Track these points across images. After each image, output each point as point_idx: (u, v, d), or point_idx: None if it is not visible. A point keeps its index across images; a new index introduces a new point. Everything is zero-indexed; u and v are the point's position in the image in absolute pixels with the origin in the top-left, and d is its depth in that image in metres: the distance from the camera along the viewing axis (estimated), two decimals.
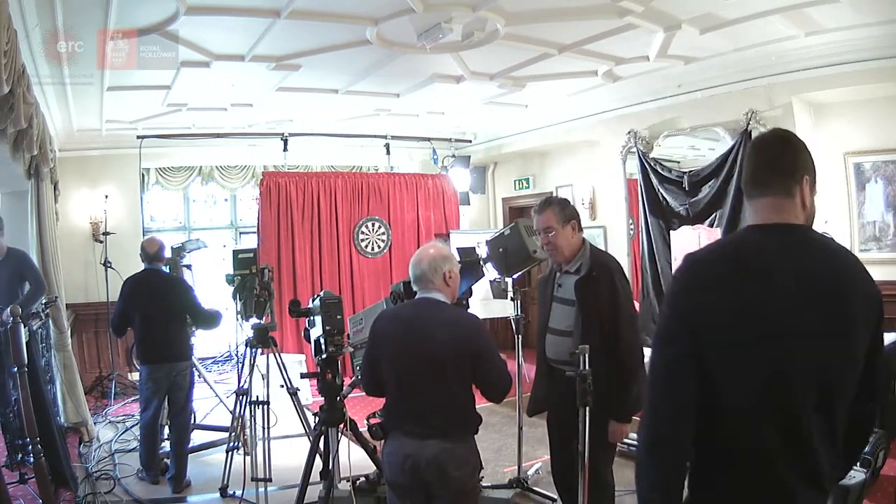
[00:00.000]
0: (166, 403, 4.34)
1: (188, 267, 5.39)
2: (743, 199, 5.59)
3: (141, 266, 4.46)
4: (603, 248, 6.03)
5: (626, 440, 4.41)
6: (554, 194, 7.44)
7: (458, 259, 2.61)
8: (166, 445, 4.44)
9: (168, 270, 4.90)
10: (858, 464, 3.25)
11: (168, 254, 4.78)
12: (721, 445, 1.35)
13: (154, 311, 4.17)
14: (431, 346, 2.28)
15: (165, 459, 4.35)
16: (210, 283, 5.69)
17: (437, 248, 2.49)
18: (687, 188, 5.94)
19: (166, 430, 4.48)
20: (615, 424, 2.80)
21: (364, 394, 6.21)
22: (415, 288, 2.45)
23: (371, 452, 3.33)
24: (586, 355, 2.38)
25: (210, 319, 4.49)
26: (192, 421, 5.31)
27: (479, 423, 2.39)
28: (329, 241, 7.70)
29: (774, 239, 1.37)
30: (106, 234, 7.05)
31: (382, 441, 2.48)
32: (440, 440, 2.28)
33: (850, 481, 3.08)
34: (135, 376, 6.15)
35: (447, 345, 2.28)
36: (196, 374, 4.87)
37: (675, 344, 1.43)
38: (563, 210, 2.93)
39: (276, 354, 4.08)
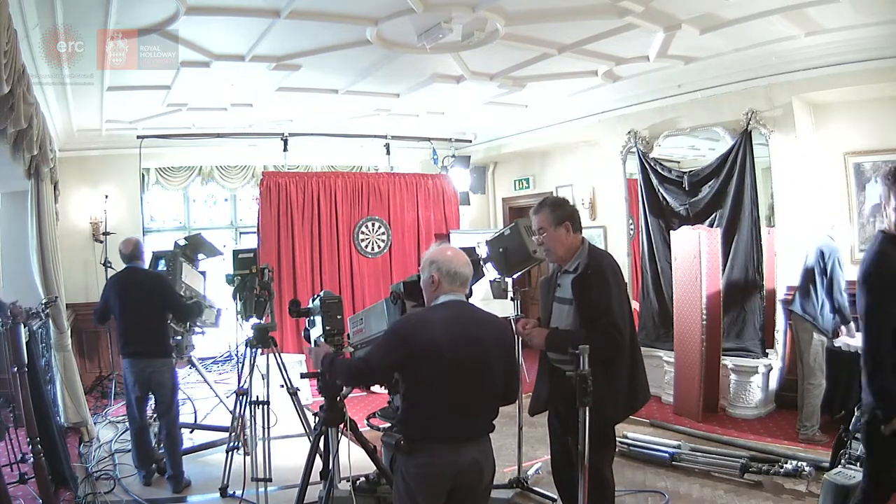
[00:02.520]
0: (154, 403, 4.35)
1: (203, 273, 5.37)
2: (742, 199, 5.65)
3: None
4: (603, 248, 6.02)
5: (625, 440, 4.45)
6: (554, 194, 7.45)
7: None
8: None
9: (165, 264, 4.91)
10: (858, 464, 3.25)
11: (169, 249, 4.77)
12: None
13: (130, 307, 4.17)
14: (481, 348, 2.29)
15: (165, 459, 4.34)
16: (210, 283, 5.66)
17: (454, 248, 2.50)
18: (687, 188, 5.95)
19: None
20: (539, 332, 2.92)
21: (364, 394, 6.27)
22: (451, 286, 2.38)
23: (371, 452, 3.32)
24: (586, 355, 2.38)
25: (191, 311, 4.49)
26: (194, 420, 5.33)
27: None
28: (329, 241, 7.70)
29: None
30: (106, 234, 7.06)
31: (381, 447, 2.45)
32: (478, 441, 2.32)
33: (850, 481, 3.08)
34: None
35: (494, 345, 2.33)
36: (187, 373, 4.83)
37: None
38: (554, 211, 2.92)
39: (276, 354, 4.08)
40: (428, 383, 2.26)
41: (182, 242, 5.49)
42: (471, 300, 3.08)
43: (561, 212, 2.92)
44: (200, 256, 5.51)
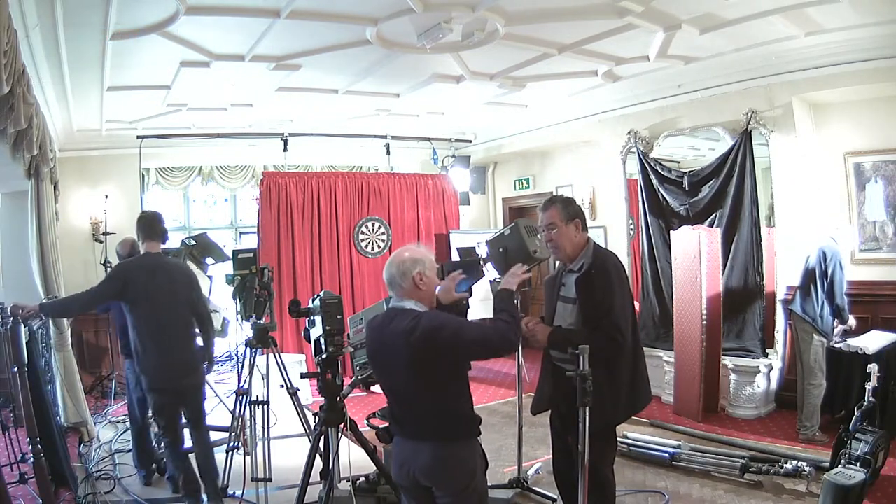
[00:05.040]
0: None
1: (210, 278, 5.36)
2: (742, 199, 5.71)
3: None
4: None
5: (625, 440, 4.45)
6: (555, 194, 7.46)
7: (457, 258, 2.61)
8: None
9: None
10: (858, 464, 3.25)
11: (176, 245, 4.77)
12: None
13: None
14: (394, 359, 2.27)
15: (165, 459, 4.34)
16: (215, 288, 5.63)
17: (412, 250, 2.42)
18: (687, 188, 5.95)
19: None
20: (542, 329, 2.90)
21: (364, 394, 6.27)
22: (389, 293, 2.43)
23: (371, 452, 3.33)
24: (586, 355, 2.37)
25: None
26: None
27: (477, 423, 2.35)
28: (329, 241, 7.69)
29: None
30: (106, 234, 7.06)
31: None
32: (434, 444, 2.28)
33: (850, 481, 3.08)
34: None
35: (409, 354, 2.22)
36: None
37: None
38: (566, 208, 2.94)
39: (276, 354, 4.07)
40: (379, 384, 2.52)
41: (190, 242, 5.47)
42: (471, 300, 3.09)
43: (572, 209, 2.95)
44: (209, 261, 5.49)
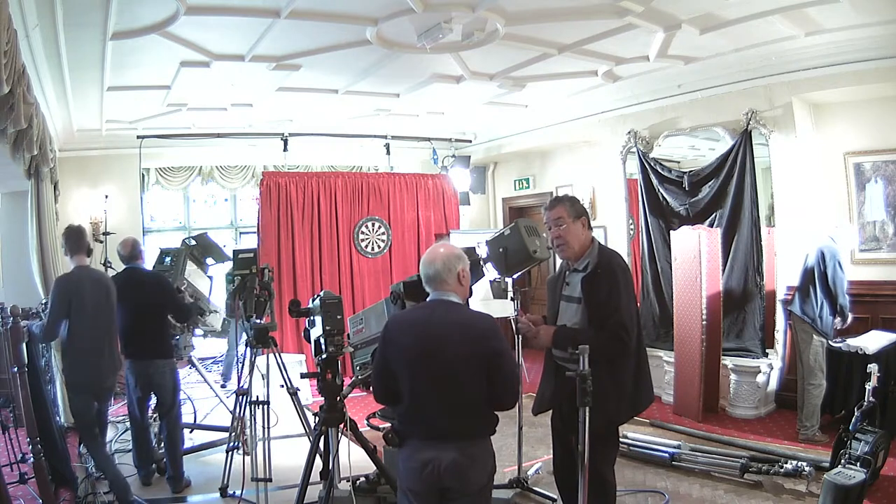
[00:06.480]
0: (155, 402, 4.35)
1: (210, 278, 5.36)
2: (742, 199, 5.70)
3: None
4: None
5: (625, 440, 4.45)
6: (555, 194, 7.47)
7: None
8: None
9: (169, 262, 4.91)
10: (858, 464, 3.25)
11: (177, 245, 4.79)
12: None
13: (132, 307, 4.14)
14: (446, 349, 2.24)
15: (165, 459, 4.34)
16: (216, 289, 5.64)
17: (448, 246, 2.44)
18: (687, 188, 5.95)
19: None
20: (546, 329, 2.92)
21: (364, 394, 6.27)
22: (427, 289, 2.39)
23: (371, 452, 3.33)
24: (586, 355, 2.37)
25: (189, 311, 4.55)
26: (194, 420, 5.33)
27: (496, 423, 2.37)
28: (329, 241, 7.70)
29: None
30: (106, 234, 7.06)
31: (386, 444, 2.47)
32: (459, 443, 2.26)
33: (850, 481, 3.08)
34: None
35: (462, 347, 2.23)
36: (187, 373, 4.82)
37: None
38: (573, 206, 2.96)
39: (276, 354, 4.07)
40: (402, 383, 2.32)
41: (191, 242, 5.46)
42: (471, 300, 3.08)
43: (579, 206, 2.97)
44: (209, 261, 5.49)
